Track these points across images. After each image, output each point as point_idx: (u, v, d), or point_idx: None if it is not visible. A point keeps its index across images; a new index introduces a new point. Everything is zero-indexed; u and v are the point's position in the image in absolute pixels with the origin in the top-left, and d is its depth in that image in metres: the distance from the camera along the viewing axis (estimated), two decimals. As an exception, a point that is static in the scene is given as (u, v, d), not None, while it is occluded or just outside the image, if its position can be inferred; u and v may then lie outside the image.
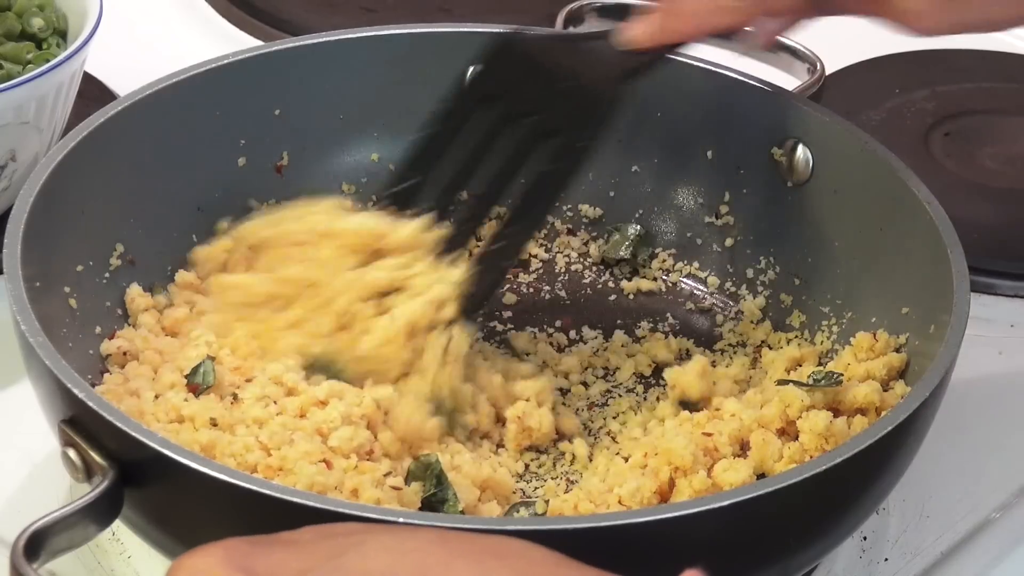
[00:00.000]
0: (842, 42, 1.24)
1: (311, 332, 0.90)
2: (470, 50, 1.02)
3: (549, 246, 1.06)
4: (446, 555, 0.62)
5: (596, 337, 1.00)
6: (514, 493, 0.88)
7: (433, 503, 0.83)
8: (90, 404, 0.76)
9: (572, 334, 1.00)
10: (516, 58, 0.95)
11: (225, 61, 0.99)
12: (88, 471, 0.77)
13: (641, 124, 1.04)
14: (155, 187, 0.97)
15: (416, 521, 0.71)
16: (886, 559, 0.90)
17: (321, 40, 1.02)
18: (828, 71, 1.07)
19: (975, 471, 0.96)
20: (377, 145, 1.04)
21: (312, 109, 1.02)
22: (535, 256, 1.05)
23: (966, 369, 0.85)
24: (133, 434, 0.75)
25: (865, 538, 0.91)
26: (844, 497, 0.80)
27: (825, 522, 0.80)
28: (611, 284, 1.04)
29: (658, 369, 0.97)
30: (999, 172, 1.19)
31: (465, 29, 1.04)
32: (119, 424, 0.75)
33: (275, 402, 0.86)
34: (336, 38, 1.02)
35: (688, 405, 0.93)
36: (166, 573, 0.63)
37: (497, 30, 0.98)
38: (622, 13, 1.12)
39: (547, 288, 1.04)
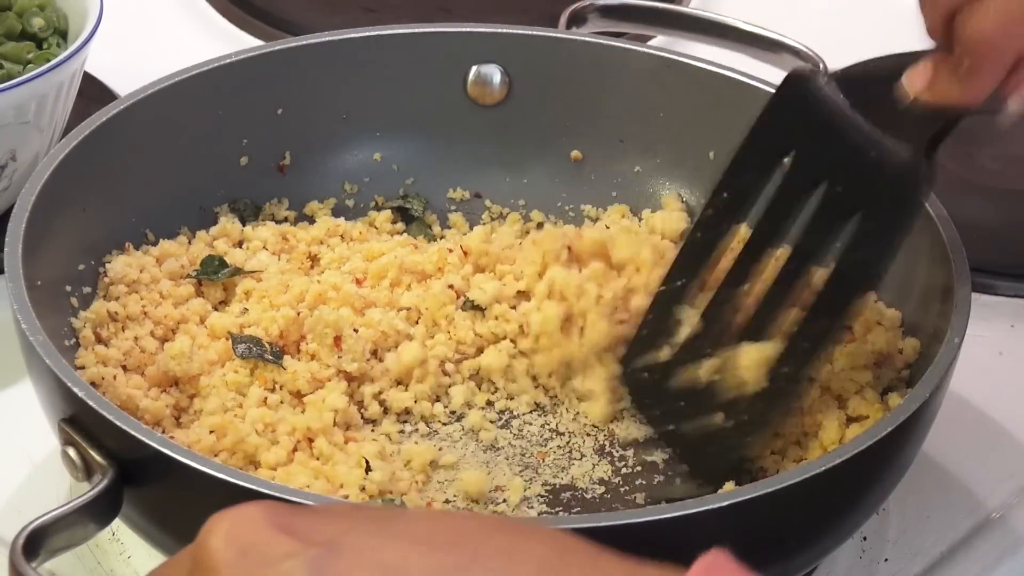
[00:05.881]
0: (842, 42, 1.24)
1: None
2: (470, 50, 1.02)
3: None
4: (483, 527, 0.63)
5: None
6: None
7: None
8: (90, 403, 0.76)
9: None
10: (803, 107, 0.85)
11: (227, 60, 0.99)
12: (88, 470, 0.77)
13: (644, 124, 1.04)
14: (157, 186, 0.97)
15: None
16: (886, 559, 0.90)
17: (323, 40, 1.02)
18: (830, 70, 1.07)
19: (975, 471, 0.96)
20: (380, 144, 1.04)
21: (314, 108, 1.02)
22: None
23: (966, 369, 0.85)
24: (133, 433, 0.75)
25: (865, 538, 0.91)
26: (844, 499, 0.80)
27: (825, 523, 0.80)
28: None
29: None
30: (999, 172, 1.18)
31: (465, 29, 1.04)
32: (119, 423, 0.75)
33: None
34: (338, 37, 1.02)
35: None
36: (204, 527, 0.62)
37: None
38: (625, 14, 1.13)
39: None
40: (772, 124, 0.87)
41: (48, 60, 1.02)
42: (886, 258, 0.84)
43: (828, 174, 0.84)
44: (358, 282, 0.95)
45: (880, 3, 1.41)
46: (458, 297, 0.96)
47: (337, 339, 0.90)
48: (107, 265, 0.93)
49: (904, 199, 0.83)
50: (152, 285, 0.93)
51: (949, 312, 0.84)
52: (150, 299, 0.92)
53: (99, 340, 0.89)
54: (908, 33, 1.38)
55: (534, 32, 1.04)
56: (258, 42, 1.27)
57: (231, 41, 1.30)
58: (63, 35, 1.08)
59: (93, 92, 1.15)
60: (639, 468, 0.89)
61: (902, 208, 0.83)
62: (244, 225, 0.99)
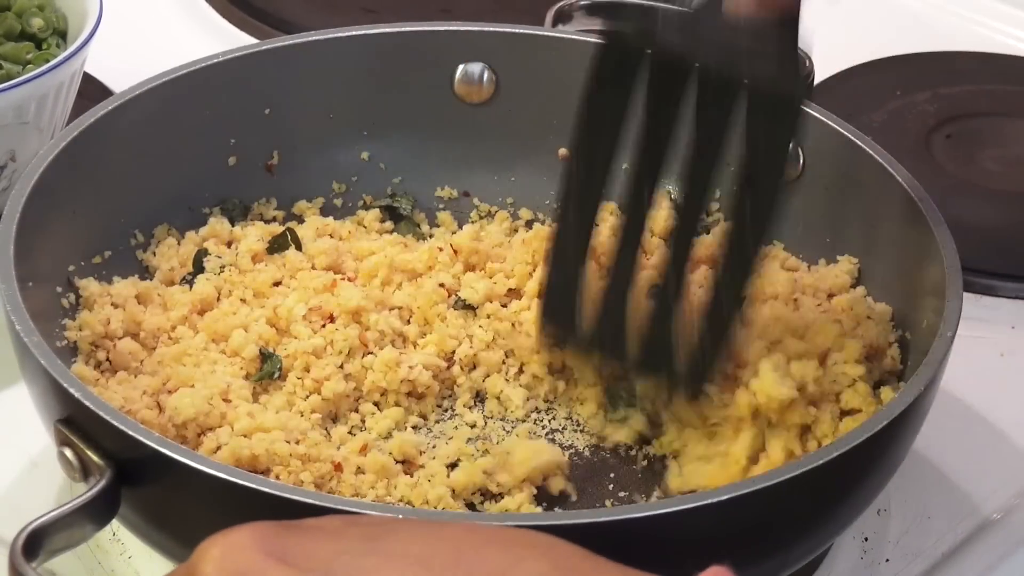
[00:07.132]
0: (844, 43, 1.24)
1: None
2: (457, 49, 1.02)
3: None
4: (478, 542, 0.64)
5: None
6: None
7: None
8: (86, 403, 0.76)
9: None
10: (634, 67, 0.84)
11: (215, 60, 0.99)
12: (85, 470, 0.77)
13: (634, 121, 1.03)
14: (146, 186, 0.97)
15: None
16: (887, 560, 0.90)
17: (310, 39, 1.02)
18: (830, 72, 1.07)
19: (976, 472, 0.96)
20: (367, 143, 1.04)
21: (302, 108, 1.02)
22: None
23: (967, 371, 0.85)
24: (130, 433, 0.75)
25: (866, 539, 0.91)
26: (838, 492, 0.80)
27: (820, 517, 0.80)
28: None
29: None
30: (1000, 174, 1.19)
31: (451, 28, 1.04)
32: (116, 423, 0.75)
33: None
34: (325, 37, 1.02)
35: None
36: (195, 553, 0.63)
37: (505, 30, 0.98)
38: (610, 11, 1.12)
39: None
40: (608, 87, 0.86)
41: (47, 60, 1.02)
42: (781, 181, 0.85)
43: (701, 118, 0.85)
44: (349, 280, 0.96)
45: (879, 2, 1.41)
46: (449, 296, 0.96)
47: (331, 317, 0.91)
48: (81, 285, 0.92)
49: (787, 110, 0.83)
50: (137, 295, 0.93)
51: (941, 306, 0.84)
52: (135, 311, 0.92)
53: (94, 344, 0.89)
54: (906, 32, 1.38)
55: (520, 30, 1.04)
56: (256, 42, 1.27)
57: (231, 42, 1.29)
58: (62, 35, 1.08)
59: (92, 92, 1.15)
60: (633, 466, 0.90)
61: (787, 122, 0.83)
62: (233, 225, 0.99)
